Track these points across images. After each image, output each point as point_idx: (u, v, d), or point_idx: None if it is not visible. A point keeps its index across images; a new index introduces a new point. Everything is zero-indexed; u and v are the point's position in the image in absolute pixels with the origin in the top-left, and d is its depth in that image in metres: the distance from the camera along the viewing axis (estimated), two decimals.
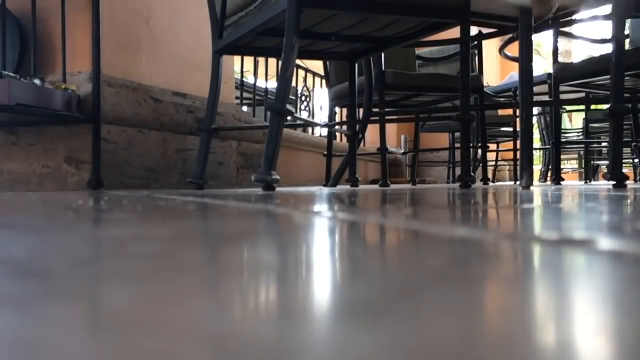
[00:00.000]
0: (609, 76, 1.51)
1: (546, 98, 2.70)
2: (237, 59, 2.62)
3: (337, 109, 2.92)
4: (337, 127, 2.73)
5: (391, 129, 4.35)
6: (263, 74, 2.88)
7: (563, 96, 2.43)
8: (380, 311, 0.15)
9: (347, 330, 0.13)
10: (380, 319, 0.14)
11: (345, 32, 1.67)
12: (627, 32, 2.19)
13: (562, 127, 4.00)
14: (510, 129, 3.40)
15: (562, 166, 3.12)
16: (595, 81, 2.13)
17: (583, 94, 2.61)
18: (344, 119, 3.00)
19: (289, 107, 1.28)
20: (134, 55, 1.90)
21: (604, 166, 4.90)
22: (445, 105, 2.56)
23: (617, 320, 0.15)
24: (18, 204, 0.82)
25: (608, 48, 1.89)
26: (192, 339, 0.13)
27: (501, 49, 2.52)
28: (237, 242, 0.33)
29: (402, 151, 4.19)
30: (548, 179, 4.05)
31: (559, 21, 2.15)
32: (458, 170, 1.47)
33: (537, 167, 4.70)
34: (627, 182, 1.42)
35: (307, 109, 3.65)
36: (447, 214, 0.58)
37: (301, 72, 3.44)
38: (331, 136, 2.55)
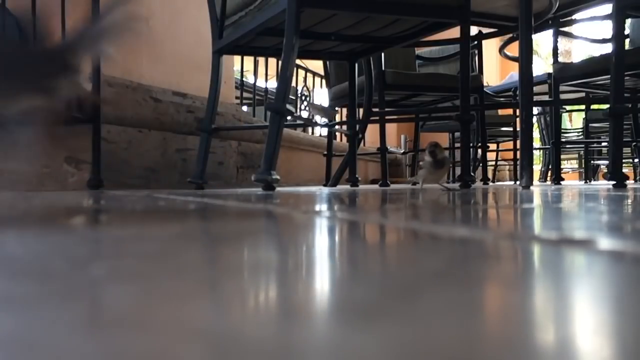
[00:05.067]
0: (609, 76, 1.51)
1: (546, 98, 2.70)
2: (237, 59, 2.62)
3: (337, 109, 2.92)
4: (337, 127, 2.73)
5: (391, 129, 4.34)
6: (263, 74, 2.88)
7: (563, 96, 2.43)
8: (380, 311, 0.15)
9: (347, 331, 0.13)
10: (380, 319, 0.14)
11: (345, 32, 1.67)
12: (627, 32, 2.19)
13: (562, 127, 4.00)
14: (510, 129, 3.40)
15: (562, 166, 3.12)
16: (595, 81, 2.13)
17: (583, 94, 2.61)
18: (344, 119, 3.00)
19: (289, 107, 1.28)
20: (134, 55, 1.89)
21: (604, 166, 4.90)
22: (445, 105, 2.56)
23: (617, 319, 0.15)
24: (19, 204, 0.82)
25: (608, 48, 1.89)
26: (192, 339, 0.13)
27: (501, 49, 2.52)
28: (238, 242, 0.33)
29: (402, 151, 4.18)
30: (548, 179, 4.04)
31: (559, 21, 2.15)
32: (458, 170, 1.47)
33: (537, 167, 4.69)
34: (627, 182, 1.42)
35: (307, 109, 3.64)
36: (447, 214, 0.58)
37: (301, 72, 3.43)
38: (331, 136, 2.55)
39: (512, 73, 3.75)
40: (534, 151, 3.17)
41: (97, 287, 0.20)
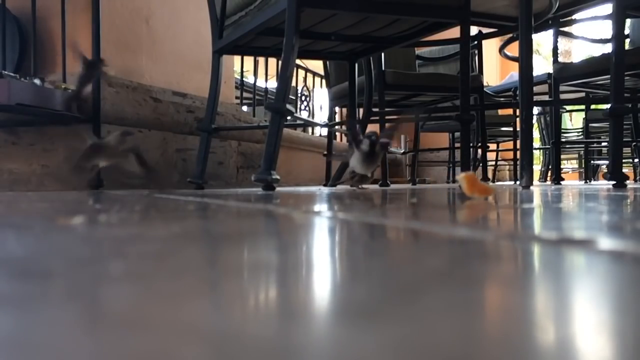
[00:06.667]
0: (609, 76, 1.51)
1: (546, 98, 2.70)
2: (237, 59, 2.62)
3: (337, 109, 2.92)
4: (337, 127, 2.73)
5: None
6: (263, 74, 2.88)
7: (563, 96, 2.43)
8: (380, 311, 0.15)
9: (347, 331, 0.13)
10: (380, 319, 0.14)
11: (345, 32, 1.67)
12: (627, 32, 2.19)
13: (563, 126, 4.00)
14: (510, 129, 3.40)
15: (562, 166, 3.12)
16: (595, 81, 2.13)
17: (583, 94, 2.61)
18: (344, 119, 3.00)
19: (289, 107, 1.28)
20: (134, 55, 1.89)
21: (604, 166, 4.90)
22: (445, 105, 2.56)
23: (617, 319, 0.15)
24: (19, 204, 0.82)
25: (608, 48, 1.89)
26: (192, 339, 0.13)
27: (501, 49, 2.52)
28: (238, 242, 0.33)
29: (402, 151, 4.18)
30: (548, 178, 4.04)
31: (559, 21, 2.15)
32: (458, 170, 1.47)
33: (537, 167, 4.69)
34: (627, 182, 1.42)
35: (307, 109, 3.64)
36: (447, 214, 0.58)
37: (301, 72, 3.43)
38: (331, 136, 2.55)
39: (512, 73, 3.75)
40: (534, 151, 3.17)
41: (97, 287, 0.20)
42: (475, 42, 2.49)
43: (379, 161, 1.24)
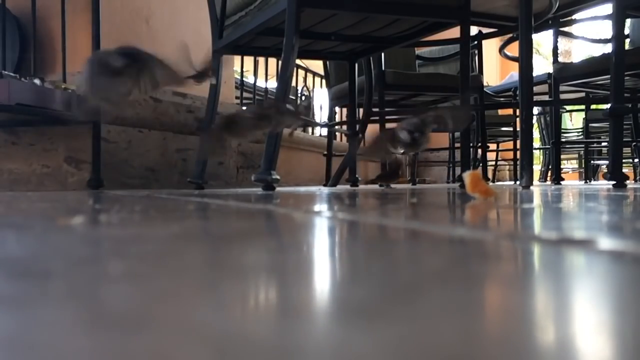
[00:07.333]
0: (609, 76, 1.51)
1: (546, 98, 2.70)
2: (237, 59, 2.62)
3: (337, 109, 2.91)
4: (337, 127, 2.73)
5: None
6: (263, 74, 2.88)
7: (563, 96, 2.43)
8: (380, 311, 0.15)
9: (347, 331, 0.13)
10: (380, 319, 0.14)
11: (345, 32, 1.67)
12: (627, 32, 2.19)
13: (563, 126, 4.00)
14: (510, 129, 3.40)
15: (562, 166, 3.12)
16: (595, 81, 2.12)
17: (583, 94, 2.61)
18: (344, 119, 3.00)
19: (288, 107, 1.28)
20: None
21: (604, 166, 4.89)
22: (445, 105, 2.56)
23: (617, 319, 0.15)
24: (19, 204, 0.82)
25: (608, 48, 1.89)
26: (192, 339, 0.13)
27: (501, 49, 2.52)
28: (238, 242, 0.33)
29: (402, 151, 4.18)
30: (548, 178, 4.04)
31: (559, 21, 2.15)
32: (458, 170, 1.47)
33: (537, 167, 4.69)
34: (627, 182, 1.42)
35: None
36: (447, 214, 0.58)
37: (301, 72, 3.43)
38: (331, 136, 2.55)
39: (512, 73, 3.75)
40: (534, 151, 3.17)
41: (97, 287, 0.20)
42: (475, 42, 2.49)
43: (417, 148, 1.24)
